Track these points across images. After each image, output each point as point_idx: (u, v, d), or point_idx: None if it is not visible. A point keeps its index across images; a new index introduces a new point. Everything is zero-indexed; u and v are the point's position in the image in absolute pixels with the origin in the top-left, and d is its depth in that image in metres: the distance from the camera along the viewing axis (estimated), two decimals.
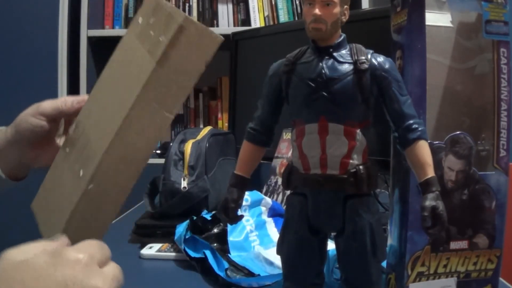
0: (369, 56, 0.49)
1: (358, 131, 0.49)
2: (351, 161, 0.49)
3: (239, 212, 0.56)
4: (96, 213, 0.54)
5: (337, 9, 0.48)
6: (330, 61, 0.48)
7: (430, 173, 0.48)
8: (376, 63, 0.48)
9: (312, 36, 0.49)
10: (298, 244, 0.50)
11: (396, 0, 0.63)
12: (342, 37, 0.49)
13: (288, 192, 0.53)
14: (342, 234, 0.49)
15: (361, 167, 0.49)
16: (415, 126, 0.49)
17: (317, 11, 0.47)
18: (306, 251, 0.50)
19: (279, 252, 0.52)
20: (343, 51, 0.49)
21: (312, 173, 0.49)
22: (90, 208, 0.53)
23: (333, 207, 0.49)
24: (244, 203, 0.95)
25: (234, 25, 2.08)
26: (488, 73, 0.62)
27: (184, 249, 0.88)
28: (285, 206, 0.54)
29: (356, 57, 0.48)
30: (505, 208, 0.63)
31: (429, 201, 0.47)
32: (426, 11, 0.60)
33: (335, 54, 0.49)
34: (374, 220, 0.50)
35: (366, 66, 0.48)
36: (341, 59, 0.48)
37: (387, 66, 0.49)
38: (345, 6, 0.48)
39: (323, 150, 0.48)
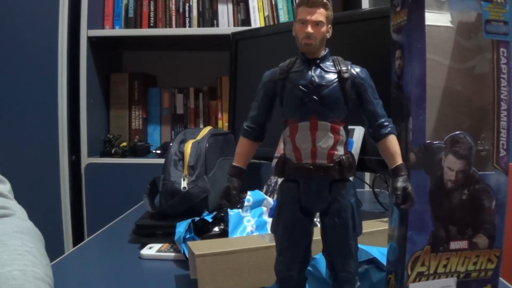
0: (349, 67, 0.58)
1: (341, 127, 0.58)
2: (336, 152, 0.58)
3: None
4: None
5: (324, 28, 0.57)
6: (318, 71, 0.58)
7: (399, 160, 0.57)
8: (355, 73, 0.58)
9: (303, 49, 0.58)
10: (292, 223, 0.59)
11: (395, 0, 0.63)
12: (326, 51, 0.59)
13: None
14: (327, 213, 0.59)
15: (343, 157, 0.58)
16: (386, 123, 0.58)
17: (310, 29, 0.56)
18: (298, 229, 0.59)
19: (273, 230, 0.61)
20: (327, 63, 0.58)
21: (304, 162, 0.58)
22: None
23: (321, 190, 0.58)
24: (246, 203, 0.95)
25: (234, 25, 2.08)
26: (488, 73, 0.62)
27: (184, 250, 0.88)
28: (278, 191, 0.62)
29: (339, 68, 0.58)
30: (505, 208, 0.63)
31: (401, 183, 0.56)
32: (425, 11, 0.60)
33: (321, 65, 0.58)
34: (354, 200, 0.59)
35: (347, 75, 0.58)
36: (327, 69, 0.58)
37: (363, 75, 0.58)
38: (329, 25, 0.58)
39: (314, 143, 0.57)
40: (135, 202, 1.49)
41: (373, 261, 0.70)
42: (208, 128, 1.29)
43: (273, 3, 2.07)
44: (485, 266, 0.63)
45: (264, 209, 0.98)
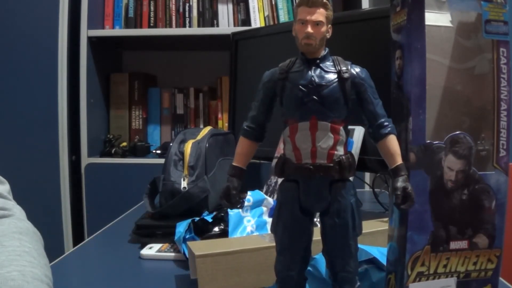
0: (349, 67, 0.58)
1: (341, 127, 0.58)
2: (336, 152, 0.58)
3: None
4: None
5: (324, 28, 0.57)
6: (318, 71, 0.58)
7: (399, 161, 0.57)
8: (355, 73, 0.58)
9: (303, 49, 0.58)
10: (292, 222, 0.59)
11: (395, 0, 0.63)
12: (326, 51, 0.59)
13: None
14: (327, 213, 0.58)
15: (343, 157, 0.58)
16: (386, 123, 0.58)
17: (309, 29, 0.56)
18: (298, 229, 0.59)
19: (273, 230, 0.61)
20: (327, 63, 0.58)
21: (304, 162, 0.58)
22: None
23: (321, 190, 0.58)
24: (246, 203, 0.95)
25: (234, 25, 2.08)
26: (487, 73, 0.62)
27: (184, 250, 0.88)
28: (278, 191, 0.62)
29: (339, 68, 0.58)
30: (505, 208, 0.63)
31: (401, 183, 0.56)
32: (425, 11, 0.60)
33: (321, 65, 0.58)
34: (354, 200, 0.59)
35: (347, 75, 0.57)
36: (326, 69, 0.58)
37: (363, 75, 0.58)
38: (329, 25, 0.58)
39: (313, 143, 0.57)
40: (135, 202, 1.49)
41: (373, 261, 0.70)
42: (208, 128, 1.29)
43: (273, 3, 2.07)
44: (485, 266, 0.63)
45: (264, 209, 0.98)
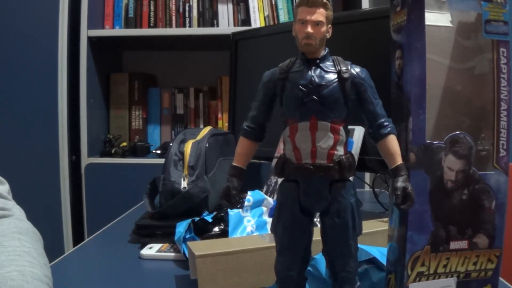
0: (349, 67, 0.58)
1: (341, 127, 0.58)
2: (336, 152, 0.58)
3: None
4: None
5: (324, 28, 0.57)
6: (318, 71, 0.58)
7: (399, 160, 0.57)
8: (355, 73, 0.58)
9: (303, 50, 0.58)
10: (292, 222, 0.59)
11: (395, 0, 0.63)
12: (326, 51, 0.59)
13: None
14: (327, 213, 0.59)
15: (343, 157, 0.58)
16: (386, 123, 0.58)
17: (309, 29, 0.56)
18: (298, 229, 0.59)
19: (273, 230, 0.61)
20: (327, 63, 0.58)
21: (304, 162, 0.58)
22: None
23: (321, 190, 0.58)
24: (246, 203, 0.95)
25: (234, 25, 2.08)
26: (487, 73, 0.62)
27: (184, 250, 0.88)
28: (278, 191, 0.62)
29: (339, 68, 0.58)
30: (505, 208, 0.63)
31: (400, 183, 0.56)
32: (425, 11, 0.60)
33: (321, 65, 0.58)
34: (353, 200, 0.59)
35: (347, 75, 0.58)
36: (326, 69, 0.58)
37: (363, 75, 0.58)
38: (329, 25, 0.58)
39: (313, 143, 0.57)
40: (135, 202, 1.49)
41: (373, 261, 0.70)
42: (208, 128, 1.29)
43: (273, 3, 2.07)
44: (485, 266, 0.63)
45: (264, 209, 0.98)
